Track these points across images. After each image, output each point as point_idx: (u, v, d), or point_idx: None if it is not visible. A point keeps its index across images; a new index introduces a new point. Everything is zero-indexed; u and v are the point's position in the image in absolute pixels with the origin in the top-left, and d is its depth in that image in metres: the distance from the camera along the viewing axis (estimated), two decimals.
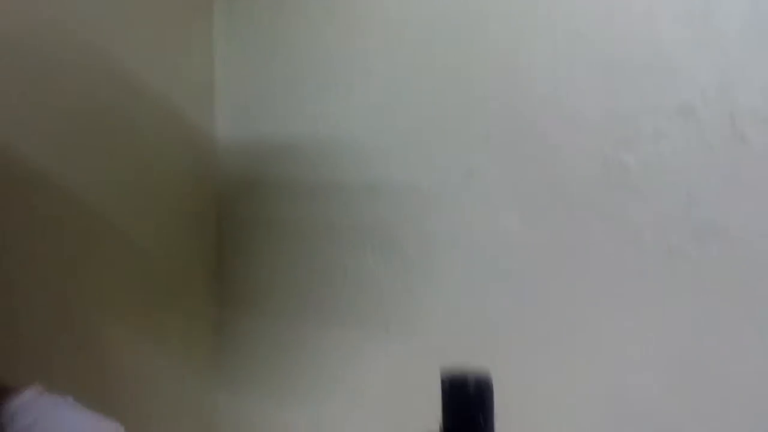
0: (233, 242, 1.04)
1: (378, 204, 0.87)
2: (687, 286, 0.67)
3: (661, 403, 0.67)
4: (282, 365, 0.97)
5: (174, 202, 1.01)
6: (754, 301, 0.64)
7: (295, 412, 0.95)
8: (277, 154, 0.99)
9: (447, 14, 0.82)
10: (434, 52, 0.83)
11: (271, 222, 0.99)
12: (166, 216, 1.00)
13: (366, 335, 0.88)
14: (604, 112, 0.71)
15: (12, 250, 0.83)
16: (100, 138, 0.91)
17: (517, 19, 0.76)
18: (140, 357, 0.95)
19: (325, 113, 0.93)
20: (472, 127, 0.79)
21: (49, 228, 0.86)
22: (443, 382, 0.58)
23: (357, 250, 0.88)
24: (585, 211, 0.72)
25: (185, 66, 1.03)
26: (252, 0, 1.02)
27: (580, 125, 0.73)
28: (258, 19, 1.01)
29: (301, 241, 0.95)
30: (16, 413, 0.62)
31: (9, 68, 0.82)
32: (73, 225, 0.89)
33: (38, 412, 0.62)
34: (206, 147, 1.05)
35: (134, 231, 0.96)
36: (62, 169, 0.87)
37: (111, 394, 0.83)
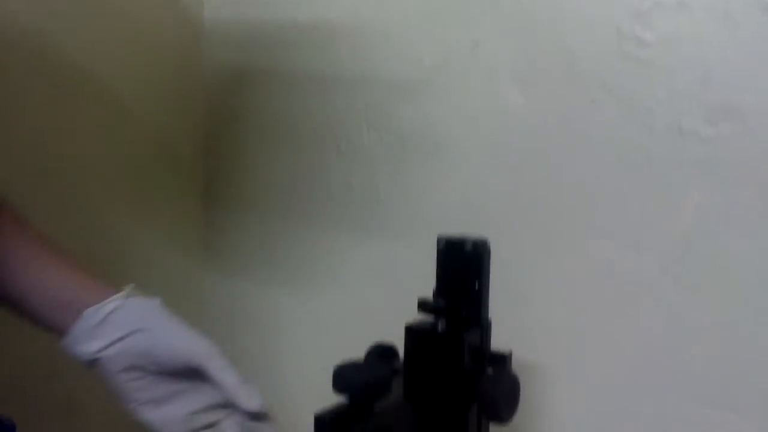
0: (222, 122, 1.00)
1: (375, 81, 0.83)
2: (696, 168, 0.64)
3: (660, 286, 0.66)
4: (271, 245, 0.95)
5: (161, 86, 0.97)
6: (763, 182, 0.61)
7: (283, 293, 0.94)
8: (269, 37, 0.94)
9: None
10: None
11: (261, 102, 0.95)
12: (154, 98, 0.97)
13: (358, 213, 0.85)
14: None
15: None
16: (86, 10, 0.87)
17: None
18: (125, 235, 0.93)
19: None
20: None
21: (39, 98, 0.84)
22: (439, 242, 0.56)
23: (352, 128, 0.85)
24: (594, 86, 0.69)
25: None
26: None
27: None
28: None
29: (292, 119, 0.91)
30: (108, 318, 0.58)
31: None
32: (63, 96, 0.86)
33: (134, 322, 0.58)
34: (194, 30, 1.00)
35: (123, 111, 0.93)
36: (54, 36, 0.84)
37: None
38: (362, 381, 0.47)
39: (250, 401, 0.56)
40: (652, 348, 0.66)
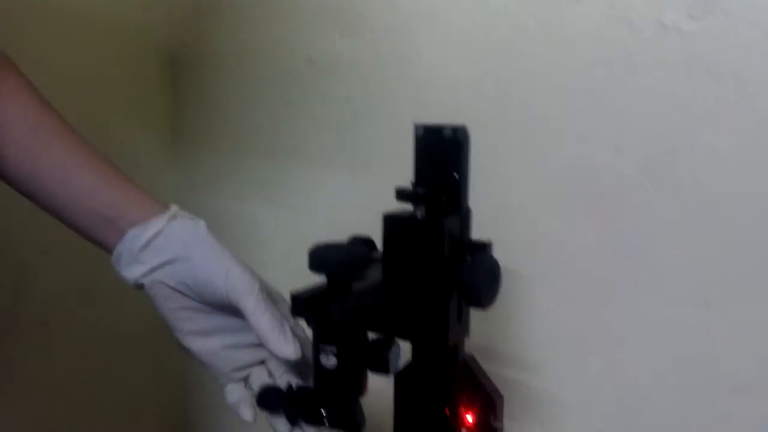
0: (190, 35, 0.96)
1: None
2: (678, 64, 0.63)
3: (638, 186, 0.65)
4: (242, 158, 0.92)
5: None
6: (747, 78, 0.60)
7: (256, 206, 0.92)
8: None
9: None
10: None
11: (229, 12, 0.91)
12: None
13: (332, 119, 0.83)
14: None
15: None
16: None
17: None
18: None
19: None
20: None
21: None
22: (417, 129, 0.54)
23: (324, 34, 0.82)
24: None
25: None
26: None
27: None
28: None
29: (261, 29, 0.88)
30: (151, 242, 0.54)
31: None
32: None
33: (176, 248, 0.54)
34: None
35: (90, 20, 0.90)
36: None
37: None
38: (339, 258, 0.45)
39: (281, 348, 0.52)
40: (629, 248, 0.66)
